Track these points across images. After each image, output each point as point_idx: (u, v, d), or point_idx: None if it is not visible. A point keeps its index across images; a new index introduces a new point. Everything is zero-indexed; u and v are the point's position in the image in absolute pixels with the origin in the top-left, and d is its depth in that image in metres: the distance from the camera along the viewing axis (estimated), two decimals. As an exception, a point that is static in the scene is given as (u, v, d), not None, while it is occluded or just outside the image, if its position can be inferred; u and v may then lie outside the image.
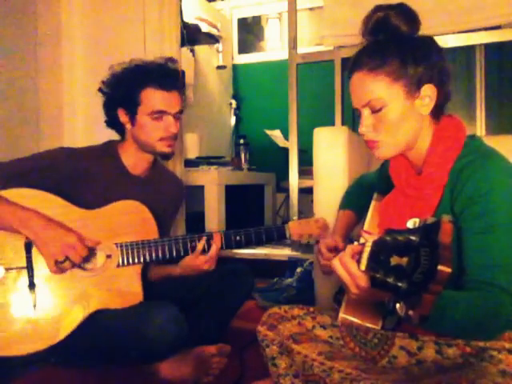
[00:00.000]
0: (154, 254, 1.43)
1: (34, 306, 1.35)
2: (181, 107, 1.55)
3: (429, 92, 0.99)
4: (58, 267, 1.34)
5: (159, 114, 1.50)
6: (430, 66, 0.99)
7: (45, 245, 1.32)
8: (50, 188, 1.41)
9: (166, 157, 1.59)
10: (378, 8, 1.02)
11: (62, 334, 1.34)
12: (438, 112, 1.04)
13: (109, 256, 1.41)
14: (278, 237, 1.49)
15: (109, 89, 1.57)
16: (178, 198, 1.79)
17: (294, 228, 1.48)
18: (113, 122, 1.59)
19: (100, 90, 1.59)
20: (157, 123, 1.51)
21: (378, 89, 0.99)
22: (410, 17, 1.01)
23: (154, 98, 1.50)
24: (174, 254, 1.44)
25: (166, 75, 1.53)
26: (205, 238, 1.46)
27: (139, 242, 1.43)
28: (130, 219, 1.45)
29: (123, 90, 1.52)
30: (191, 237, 1.46)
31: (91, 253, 1.39)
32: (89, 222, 1.42)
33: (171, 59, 1.63)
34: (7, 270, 1.35)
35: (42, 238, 1.32)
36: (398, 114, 1.00)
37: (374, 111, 1.01)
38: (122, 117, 1.54)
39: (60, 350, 1.35)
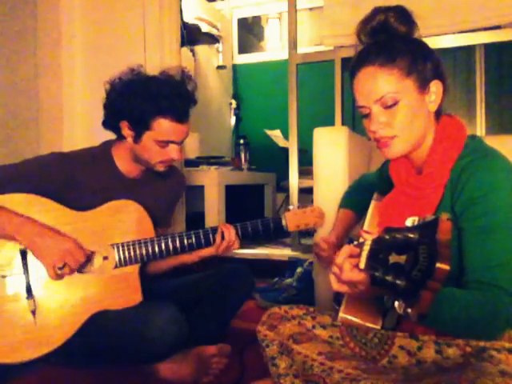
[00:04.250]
0: (151, 253, 1.43)
1: (33, 312, 1.34)
2: (187, 134, 1.51)
3: (436, 88, 1.01)
4: (57, 273, 1.34)
5: (167, 143, 1.47)
6: (435, 64, 1.01)
7: (41, 252, 1.31)
8: (44, 193, 1.39)
9: (160, 173, 1.57)
10: (377, 10, 1.03)
11: (62, 339, 1.34)
12: (438, 111, 1.05)
13: (105, 258, 1.41)
14: (275, 228, 1.48)
15: (118, 97, 1.48)
16: (178, 191, 1.78)
17: (291, 218, 1.48)
18: (111, 127, 1.53)
19: (107, 95, 1.51)
20: (161, 149, 1.47)
21: (391, 83, 0.98)
22: (408, 18, 1.03)
23: (166, 129, 1.44)
24: (171, 251, 1.44)
25: (184, 106, 1.47)
26: (220, 231, 1.47)
27: (135, 242, 1.42)
28: (124, 219, 1.45)
29: (135, 109, 1.43)
30: (187, 234, 1.46)
31: (88, 257, 1.39)
32: (83, 223, 1.41)
33: (189, 76, 1.54)
34: (3, 277, 1.35)
35: (38, 244, 1.31)
36: (412, 109, 1.00)
37: (387, 107, 0.99)
38: (125, 130, 1.48)
39: (60, 351, 1.35)
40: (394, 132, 1.01)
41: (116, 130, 1.52)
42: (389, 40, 1.01)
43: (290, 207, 1.51)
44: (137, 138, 1.47)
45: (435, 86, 1.01)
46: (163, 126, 1.44)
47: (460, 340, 0.91)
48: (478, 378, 0.81)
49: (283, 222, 1.48)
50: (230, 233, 1.47)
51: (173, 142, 1.47)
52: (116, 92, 1.49)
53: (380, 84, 0.99)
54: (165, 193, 1.65)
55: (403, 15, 1.02)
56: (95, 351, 1.41)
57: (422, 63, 1.00)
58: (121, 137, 1.52)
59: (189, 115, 1.50)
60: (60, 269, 1.33)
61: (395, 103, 0.99)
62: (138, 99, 1.43)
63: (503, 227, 0.92)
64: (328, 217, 1.50)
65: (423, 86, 1.00)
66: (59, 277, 1.35)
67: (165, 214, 1.68)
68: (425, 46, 1.04)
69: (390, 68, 0.98)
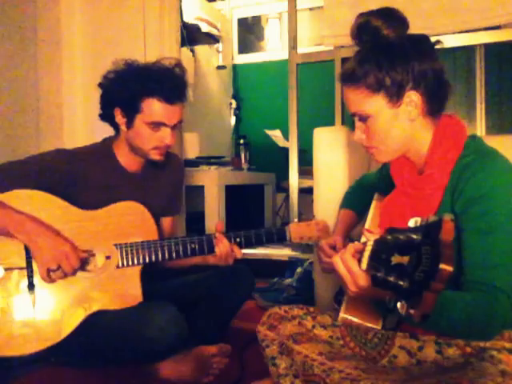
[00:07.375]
0: (153, 255, 1.43)
1: (33, 306, 1.34)
2: (180, 119, 1.51)
3: (413, 98, 0.99)
4: (50, 275, 1.33)
5: (157, 125, 1.47)
6: (415, 72, 0.98)
7: (38, 250, 1.31)
8: (48, 190, 1.39)
9: (156, 163, 1.57)
10: (360, 14, 1.04)
11: (62, 335, 1.34)
12: (435, 112, 1.03)
13: (108, 257, 1.41)
14: (278, 239, 1.49)
15: (109, 85, 1.51)
16: (179, 177, 1.79)
17: (295, 230, 1.48)
18: (107, 118, 1.55)
19: (100, 84, 1.54)
20: (153, 133, 1.47)
21: (360, 102, 1.02)
22: (392, 19, 1.01)
23: (155, 109, 1.45)
24: (174, 255, 1.44)
25: (172, 87, 1.47)
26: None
27: (139, 243, 1.42)
28: (129, 220, 1.45)
29: (125, 93, 1.46)
30: (191, 238, 1.46)
31: (90, 254, 1.39)
32: (88, 223, 1.41)
33: (179, 65, 1.55)
34: (7, 270, 1.35)
35: (36, 243, 1.31)
36: (384, 123, 1.02)
37: (362, 120, 1.04)
38: (118, 117, 1.50)
39: (60, 350, 1.35)
40: (372, 144, 1.06)
41: (111, 120, 1.54)
42: (360, 53, 1.02)
43: (295, 220, 1.52)
44: (129, 124, 1.49)
45: (410, 96, 0.99)
46: (152, 106, 1.46)
47: (460, 340, 0.92)
48: (478, 378, 0.81)
49: (287, 236, 1.49)
50: (225, 245, 1.45)
51: (164, 125, 1.48)
52: (108, 81, 1.53)
53: (351, 102, 1.05)
54: (166, 182, 1.67)
55: (386, 16, 1.00)
56: (95, 351, 1.41)
57: (390, 74, 0.98)
58: (116, 128, 1.55)
59: (180, 98, 1.50)
60: (53, 271, 1.32)
61: (367, 118, 1.03)
62: (127, 83, 1.47)
63: (502, 228, 0.92)
64: (328, 217, 1.50)
65: (395, 100, 0.99)
66: (51, 280, 1.34)
67: (169, 202, 1.69)
68: (402, 50, 0.99)
69: (357, 87, 1.01)
